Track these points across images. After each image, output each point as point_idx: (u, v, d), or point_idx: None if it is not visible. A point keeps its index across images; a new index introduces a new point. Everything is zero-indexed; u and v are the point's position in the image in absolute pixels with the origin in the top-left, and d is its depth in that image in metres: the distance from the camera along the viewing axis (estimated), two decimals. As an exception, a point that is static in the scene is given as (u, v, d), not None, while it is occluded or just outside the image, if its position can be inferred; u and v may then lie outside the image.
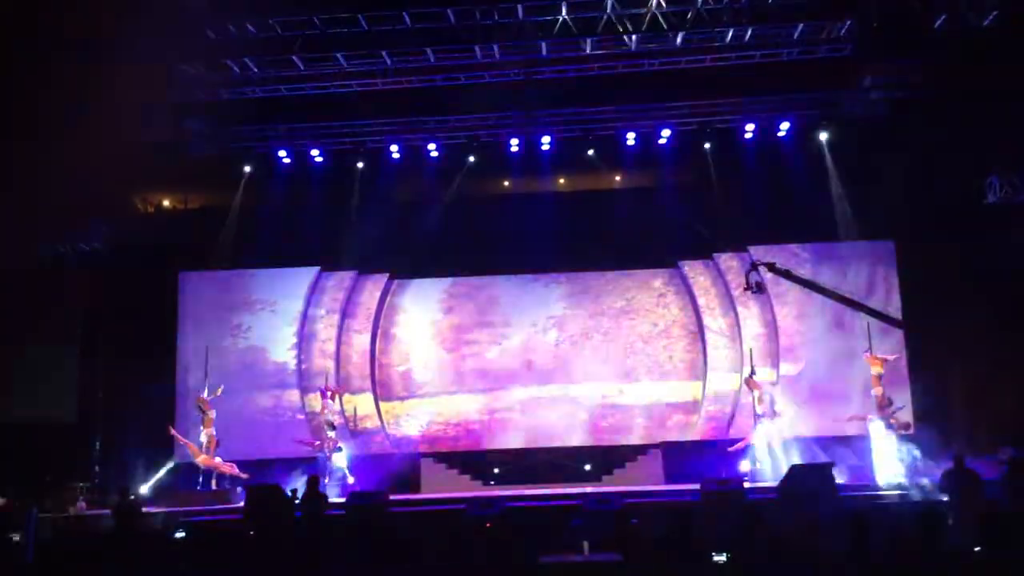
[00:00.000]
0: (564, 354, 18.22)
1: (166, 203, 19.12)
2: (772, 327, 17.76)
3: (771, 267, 14.35)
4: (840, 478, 13.06)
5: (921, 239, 16.66)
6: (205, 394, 15.82)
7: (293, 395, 17.98)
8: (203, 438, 15.46)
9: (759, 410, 15.99)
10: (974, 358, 16.07)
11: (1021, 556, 5.12)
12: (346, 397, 17.84)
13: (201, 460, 15.27)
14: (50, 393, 16.69)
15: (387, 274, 18.47)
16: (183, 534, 9.32)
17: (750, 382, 16.30)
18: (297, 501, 10.92)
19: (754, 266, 14.71)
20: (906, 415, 15.87)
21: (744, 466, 15.71)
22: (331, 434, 16.09)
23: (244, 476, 15.36)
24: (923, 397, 16.73)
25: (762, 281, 14.69)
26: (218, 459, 15.36)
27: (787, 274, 13.72)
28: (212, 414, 15.61)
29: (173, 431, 15.98)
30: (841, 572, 5.40)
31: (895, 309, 17.18)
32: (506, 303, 18.44)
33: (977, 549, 5.53)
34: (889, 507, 11.95)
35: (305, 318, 18.29)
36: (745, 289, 14.62)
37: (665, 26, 14.37)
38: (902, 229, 17.18)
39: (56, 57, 12.14)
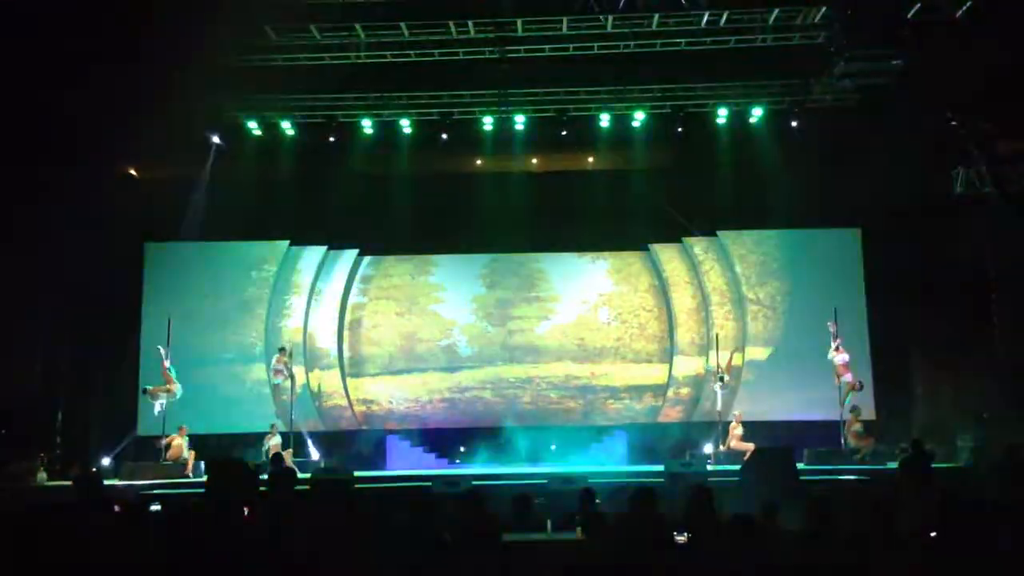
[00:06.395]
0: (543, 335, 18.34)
1: (132, 172, 18.78)
2: (739, 310, 17.98)
3: None
4: (801, 462, 13.26)
5: (887, 227, 16.85)
6: (167, 364, 15.62)
7: (259, 370, 17.87)
8: (157, 407, 15.36)
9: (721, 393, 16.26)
10: (936, 345, 16.35)
11: (978, 543, 5.21)
12: (314, 373, 17.78)
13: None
14: (12, 363, 16.41)
15: (357, 250, 18.42)
16: (159, 507, 9.13)
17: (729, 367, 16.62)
18: (263, 476, 10.86)
19: None
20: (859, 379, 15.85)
21: (707, 448, 15.90)
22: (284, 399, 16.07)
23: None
24: (885, 383, 16.99)
25: None
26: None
27: None
28: (174, 387, 15.43)
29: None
30: (800, 553, 5.48)
31: (859, 296, 17.44)
32: (486, 281, 18.62)
33: (933, 534, 5.62)
34: (849, 490, 12.15)
35: (273, 292, 18.18)
36: None
37: (641, 7, 14.31)
38: (868, 217, 17.37)
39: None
